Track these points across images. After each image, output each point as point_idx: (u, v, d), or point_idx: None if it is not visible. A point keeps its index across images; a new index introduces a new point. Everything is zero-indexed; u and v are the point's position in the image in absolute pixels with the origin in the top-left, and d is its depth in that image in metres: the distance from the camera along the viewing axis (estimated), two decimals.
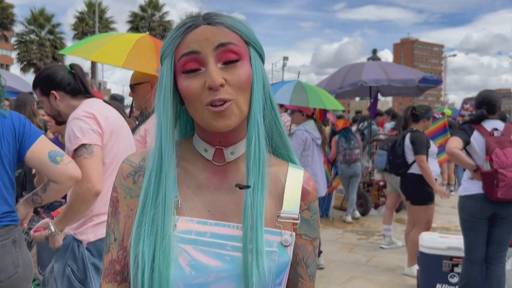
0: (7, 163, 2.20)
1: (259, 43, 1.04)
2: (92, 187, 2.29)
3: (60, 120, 2.62)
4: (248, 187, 0.97)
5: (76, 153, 2.34)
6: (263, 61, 1.05)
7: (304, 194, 1.08)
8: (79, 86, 2.56)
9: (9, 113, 2.25)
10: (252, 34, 1.02)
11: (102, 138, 2.42)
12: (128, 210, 1.03)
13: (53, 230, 2.39)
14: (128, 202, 1.04)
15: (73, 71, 2.58)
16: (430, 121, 5.48)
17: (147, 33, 3.94)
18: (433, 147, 5.36)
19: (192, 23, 0.98)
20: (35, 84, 2.57)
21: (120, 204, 1.04)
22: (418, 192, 5.25)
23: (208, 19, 0.98)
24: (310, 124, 5.59)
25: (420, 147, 5.19)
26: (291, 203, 1.05)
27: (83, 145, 2.33)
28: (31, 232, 2.56)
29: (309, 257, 1.10)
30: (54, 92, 2.54)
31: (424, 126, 5.42)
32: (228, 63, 0.96)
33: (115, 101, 5.06)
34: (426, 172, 5.15)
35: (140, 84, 3.23)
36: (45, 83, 2.54)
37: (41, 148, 2.26)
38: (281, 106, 8.13)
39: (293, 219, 1.04)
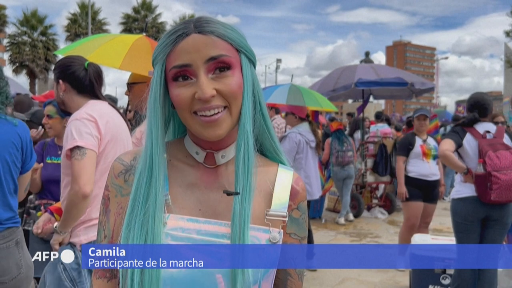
0: (14, 170, 2.25)
1: (251, 49, 1.05)
2: (79, 189, 2.27)
3: (63, 108, 2.64)
4: (236, 193, 0.99)
5: (70, 154, 2.34)
6: (254, 66, 1.06)
7: (293, 193, 1.10)
8: (87, 85, 2.55)
9: (18, 122, 2.28)
10: (243, 41, 1.03)
11: (100, 143, 2.40)
12: (119, 208, 1.05)
13: (57, 230, 2.41)
14: (118, 200, 1.06)
15: (88, 69, 2.57)
16: (422, 120, 5.75)
17: (144, 34, 3.93)
18: (417, 149, 5.67)
19: (182, 31, 0.98)
20: (54, 68, 2.63)
21: (111, 202, 1.06)
22: (402, 189, 5.68)
23: (199, 27, 0.98)
24: (304, 127, 5.60)
25: (399, 149, 5.83)
26: (280, 202, 1.07)
27: (77, 147, 2.32)
28: (37, 225, 2.53)
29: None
30: (61, 82, 2.55)
31: (417, 126, 5.81)
32: (219, 72, 0.98)
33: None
34: (397, 172, 5.77)
35: (137, 84, 3.22)
36: (58, 70, 2.57)
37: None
38: (271, 108, 8.16)
39: (282, 216, 1.05)
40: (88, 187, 2.29)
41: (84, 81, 2.54)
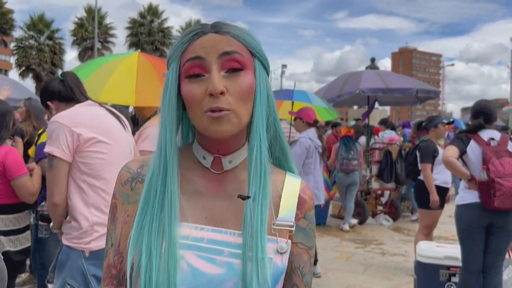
0: None
1: (265, 55, 1.05)
2: (49, 199, 2.39)
3: None
4: (249, 197, 0.97)
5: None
6: (267, 73, 1.06)
7: (301, 202, 1.08)
8: (70, 92, 2.58)
9: None
10: (258, 45, 1.03)
11: (75, 148, 2.38)
12: (125, 216, 1.05)
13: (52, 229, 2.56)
14: (125, 208, 1.05)
15: (63, 79, 2.61)
16: (440, 127, 5.71)
17: (138, 51, 3.97)
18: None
19: (200, 30, 1.00)
20: (41, 101, 2.69)
21: (118, 210, 1.06)
22: (425, 197, 5.49)
23: (216, 28, 1.00)
24: (312, 132, 5.62)
25: (424, 156, 5.51)
26: (287, 211, 1.05)
27: (47, 154, 2.39)
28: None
29: (305, 266, 1.10)
30: (49, 103, 2.61)
31: (436, 134, 5.72)
32: (231, 72, 0.97)
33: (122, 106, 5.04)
34: (427, 180, 5.46)
35: None
36: (42, 96, 2.64)
37: None
38: None
39: (289, 226, 1.04)
40: (56, 198, 2.38)
41: (66, 90, 2.58)
